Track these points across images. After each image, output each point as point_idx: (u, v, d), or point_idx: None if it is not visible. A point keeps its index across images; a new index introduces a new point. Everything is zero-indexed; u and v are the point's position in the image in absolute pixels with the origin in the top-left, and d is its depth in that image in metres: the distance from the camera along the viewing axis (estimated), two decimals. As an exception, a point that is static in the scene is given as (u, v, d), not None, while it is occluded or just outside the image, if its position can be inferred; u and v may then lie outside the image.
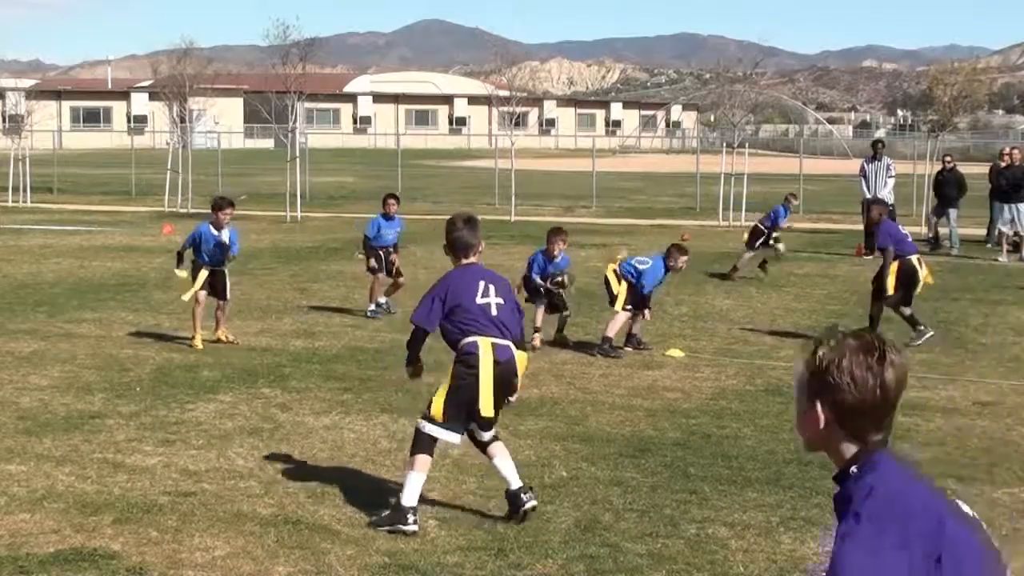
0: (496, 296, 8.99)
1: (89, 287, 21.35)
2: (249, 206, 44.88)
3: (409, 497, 8.73)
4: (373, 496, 9.45)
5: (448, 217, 9.49)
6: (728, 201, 38.12)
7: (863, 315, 19.58)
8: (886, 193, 29.25)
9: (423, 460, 8.87)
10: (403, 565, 7.97)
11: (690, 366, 15.15)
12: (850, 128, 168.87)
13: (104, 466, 10.21)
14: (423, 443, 8.90)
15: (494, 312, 8.92)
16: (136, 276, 23.00)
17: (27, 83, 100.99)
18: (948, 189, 31.07)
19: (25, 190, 45.95)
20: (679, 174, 60.00)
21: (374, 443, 11.14)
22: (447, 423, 8.85)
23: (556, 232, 17.13)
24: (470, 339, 8.85)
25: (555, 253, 16.85)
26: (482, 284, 9.00)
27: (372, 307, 18.94)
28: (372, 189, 54.33)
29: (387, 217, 19.47)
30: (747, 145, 43.67)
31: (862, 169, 30.15)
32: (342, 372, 14.36)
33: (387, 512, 8.87)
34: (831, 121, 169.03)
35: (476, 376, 8.78)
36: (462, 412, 8.87)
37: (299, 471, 10.12)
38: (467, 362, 8.83)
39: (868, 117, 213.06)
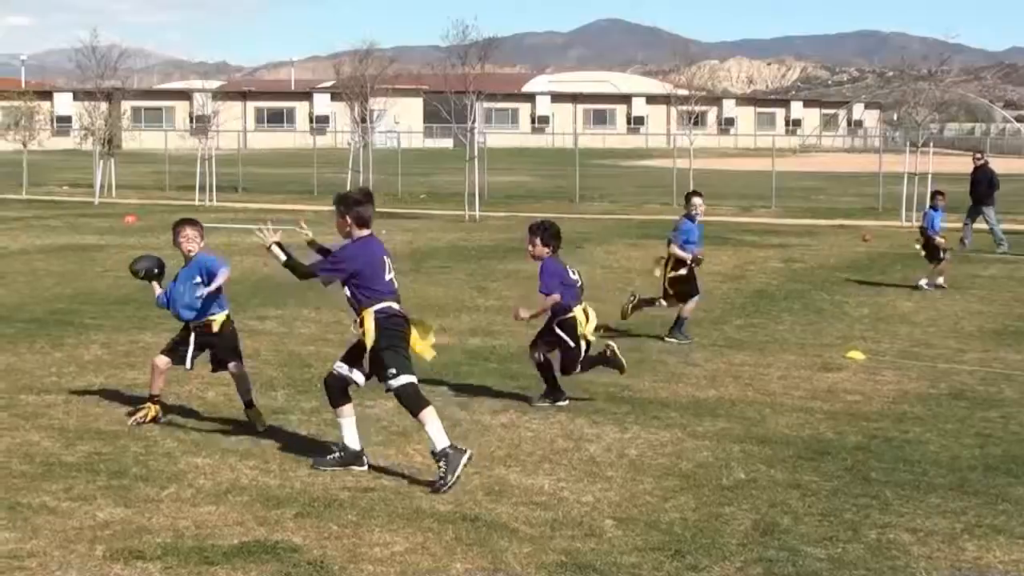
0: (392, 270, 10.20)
1: (271, 285, 21.67)
2: (429, 205, 45.44)
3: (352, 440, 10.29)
4: (551, 496, 9.47)
5: (343, 192, 10.57)
6: (912, 201, 37.43)
7: (1052, 318, 19.09)
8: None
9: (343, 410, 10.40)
10: (580, 564, 7.97)
11: (871, 369, 14.89)
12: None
13: (286, 460, 10.40)
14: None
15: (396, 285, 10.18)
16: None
17: (214, 84, 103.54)
18: (979, 187, 29.98)
19: (211, 189, 47.13)
20: (860, 174, 59.11)
21: (551, 442, 11.16)
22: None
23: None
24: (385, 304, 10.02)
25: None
26: (387, 260, 10.12)
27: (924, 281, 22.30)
28: (549, 189, 54.63)
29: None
30: (931, 144, 42.81)
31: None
32: (518, 371, 14.39)
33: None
34: (1020, 119, 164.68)
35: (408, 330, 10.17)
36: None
37: (477, 469, 10.18)
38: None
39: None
